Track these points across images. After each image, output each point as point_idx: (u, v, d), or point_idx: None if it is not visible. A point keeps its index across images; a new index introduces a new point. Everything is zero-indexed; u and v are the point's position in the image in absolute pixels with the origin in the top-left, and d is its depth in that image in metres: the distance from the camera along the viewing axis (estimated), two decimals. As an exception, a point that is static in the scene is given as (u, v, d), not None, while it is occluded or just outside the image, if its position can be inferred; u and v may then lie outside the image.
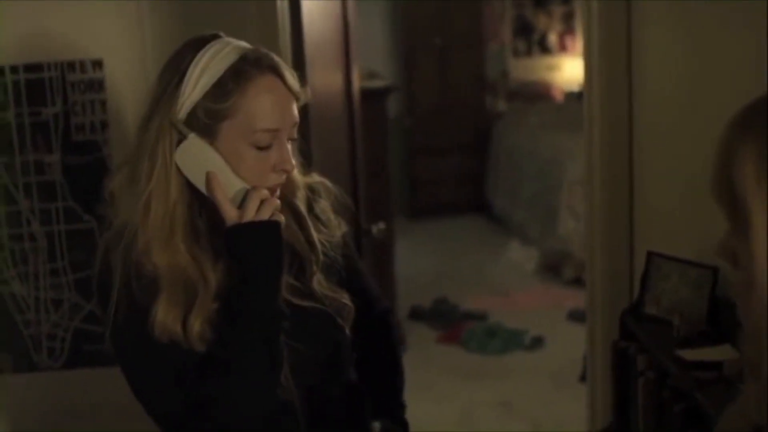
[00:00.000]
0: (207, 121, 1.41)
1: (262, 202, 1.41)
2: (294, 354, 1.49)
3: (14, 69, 2.38)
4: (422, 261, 6.60)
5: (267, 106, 1.41)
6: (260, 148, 1.42)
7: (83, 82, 2.39)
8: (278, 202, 1.44)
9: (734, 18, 2.07)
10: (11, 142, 2.40)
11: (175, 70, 1.42)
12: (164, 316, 1.40)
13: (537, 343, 4.97)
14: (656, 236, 2.39)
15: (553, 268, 6.09)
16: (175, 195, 1.42)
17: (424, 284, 5.97)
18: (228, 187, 1.40)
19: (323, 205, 1.63)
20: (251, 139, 1.41)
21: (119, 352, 1.48)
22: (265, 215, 1.40)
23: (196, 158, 1.40)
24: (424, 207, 7.71)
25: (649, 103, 2.52)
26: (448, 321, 5.33)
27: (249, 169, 1.42)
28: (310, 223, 1.57)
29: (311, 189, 1.62)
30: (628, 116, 2.56)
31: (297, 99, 1.47)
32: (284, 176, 1.46)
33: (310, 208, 1.60)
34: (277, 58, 1.46)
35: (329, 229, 1.61)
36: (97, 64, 2.40)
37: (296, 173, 1.56)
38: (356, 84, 3.49)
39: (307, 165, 1.63)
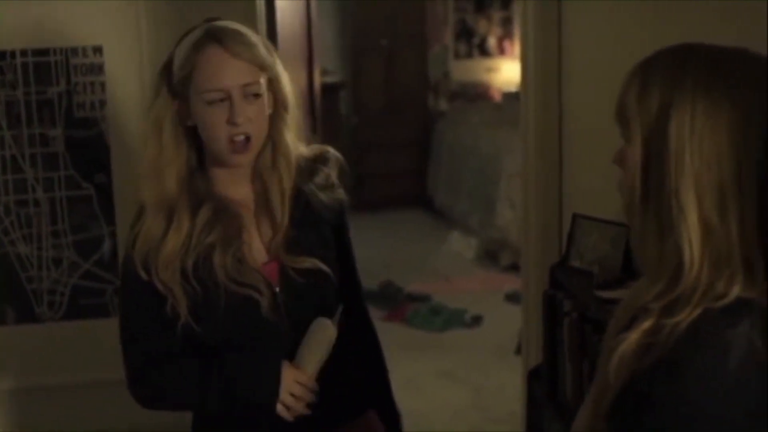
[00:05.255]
0: (181, 87, 1.73)
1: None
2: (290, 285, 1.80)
3: (24, 53, 2.64)
4: (369, 250, 6.72)
5: (209, 69, 1.69)
6: (211, 104, 1.69)
7: (85, 65, 2.67)
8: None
9: (651, 15, 2.46)
10: (19, 117, 2.66)
11: (171, 52, 1.77)
12: (150, 223, 1.73)
13: (476, 321, 5.23)
14: (581, 205, 2.77)
15: (491, 255, 6.37)
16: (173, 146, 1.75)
17: (371, 270, 6.13)
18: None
19: (328, 172, 1.94)
20: (203, 96, 1.70)
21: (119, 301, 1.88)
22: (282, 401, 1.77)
23: (322, 337, 1.79)
24: (370, 200, 7.84)
25: (577, 102, 2.88)
26: (393, 302, 5.53)
27: (205, 122, 1.71)
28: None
29: (322, 158, 1.93)
30: (558, 113, 2.90)
31: (253, 63, 1.71)
32: (238, 128, 1.70)
33: (312, 174, 1.89)
34: (228, 31, 1.72)
35: (331, 193, 1.94)
36: (98, 50, 2.67)
37: (301, 146, 1.87)
38: (318, 79, 3.82)
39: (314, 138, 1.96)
